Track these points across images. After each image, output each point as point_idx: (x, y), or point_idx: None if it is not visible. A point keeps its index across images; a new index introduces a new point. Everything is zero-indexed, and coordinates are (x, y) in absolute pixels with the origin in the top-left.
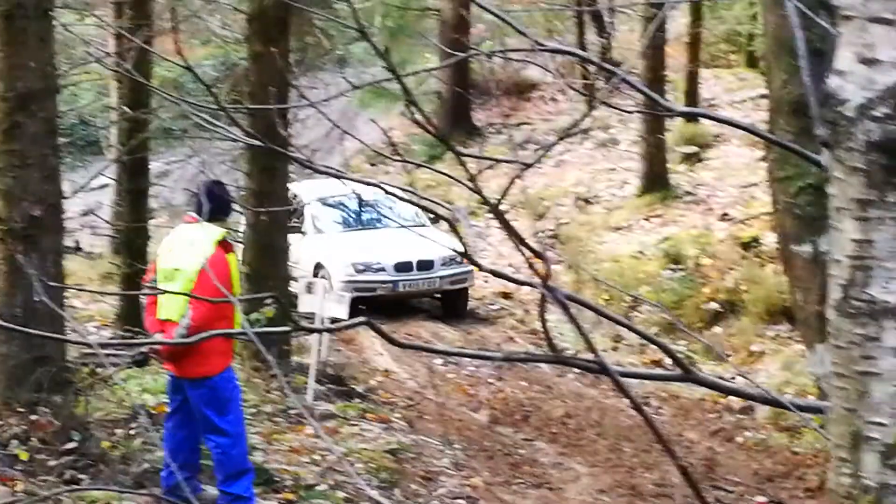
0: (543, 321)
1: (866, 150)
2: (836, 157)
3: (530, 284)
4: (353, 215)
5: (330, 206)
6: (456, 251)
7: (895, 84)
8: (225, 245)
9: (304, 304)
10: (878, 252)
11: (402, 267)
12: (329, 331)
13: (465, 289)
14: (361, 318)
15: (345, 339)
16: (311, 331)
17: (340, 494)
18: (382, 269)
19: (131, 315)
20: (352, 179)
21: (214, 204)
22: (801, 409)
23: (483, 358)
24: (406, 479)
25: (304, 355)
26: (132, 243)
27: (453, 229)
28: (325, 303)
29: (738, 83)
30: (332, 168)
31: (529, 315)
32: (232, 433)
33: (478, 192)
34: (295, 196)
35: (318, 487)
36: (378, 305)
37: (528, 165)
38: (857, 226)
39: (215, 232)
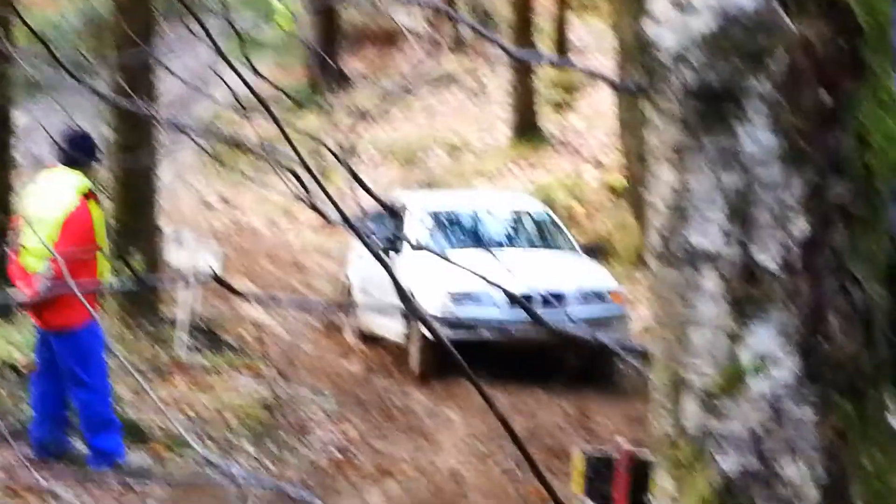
0: (388, 269)
1: (682, 96)
2: (653, 104)
3: (359, 236)
4: (469, 230)
5: (437, 218)
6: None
7: (709, 30)
8: (88, 194)
9: (174, 257)
10: (694, 198)
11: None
12: (175, 287)
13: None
14: (209, 272)
15: (217, 291)
16: (153, 288)
17: (211, 446)
18: (491, 303)
19: None
20: (196, 133)
21: (78, 153)
22: (632, 351)
23: (306, 309)
24: (279, 431)
25: (175, 308)
26: None
27: (300, 183)
28: (195, 254)
29: (608, 29)
30: (183, 122)
31: None
32: (95, 386)
33: (322, 143)
34: (401, 206)
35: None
36: (485, 355)
37: (366, 117)
38: (674, 172)
39: (79, 181)
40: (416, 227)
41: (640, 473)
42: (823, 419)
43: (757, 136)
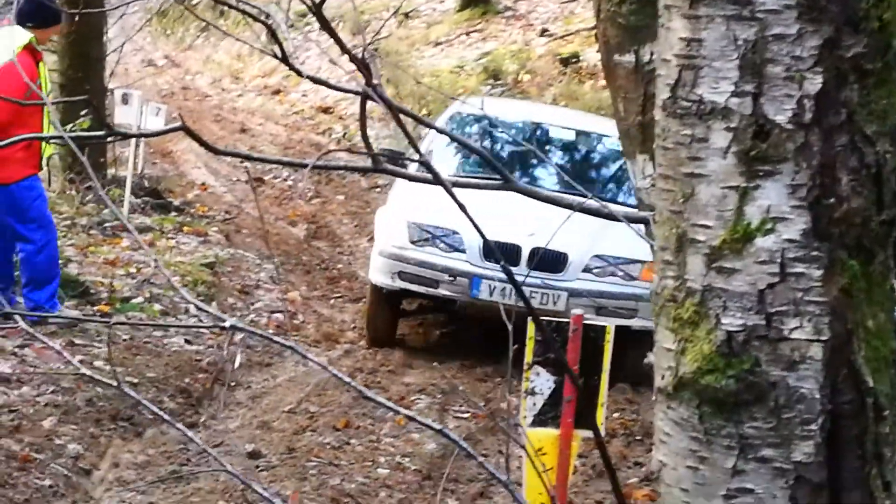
0: (363, 127)
1: None
2: None
3: (353, 91)
4: (502, 160)
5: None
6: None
7: None
8: (32, 51)
9: (120, 115)
10: (706, 51)
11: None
12: (144, 136)
13: (633, 331)
14: (177, 124)
15: (161, 152)
16: (126, 136)
17: (157, 307)
18: (460, 249)
19: None
20: None
21: (31, 10)
22: (631, 220)
23: (296, 165)
24: (223, 293)
25: (120, 168)
26: None
27: (272, 35)
28: (141, 114)
29: None
30: None
31: (349, 130)
32: (35, 240)
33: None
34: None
35: (134, 300)
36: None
37: None
38: (687, 24)
39: (23, 37)
40: (432, 140)
41: (591, 339)
42: (830, 278)
43: None
